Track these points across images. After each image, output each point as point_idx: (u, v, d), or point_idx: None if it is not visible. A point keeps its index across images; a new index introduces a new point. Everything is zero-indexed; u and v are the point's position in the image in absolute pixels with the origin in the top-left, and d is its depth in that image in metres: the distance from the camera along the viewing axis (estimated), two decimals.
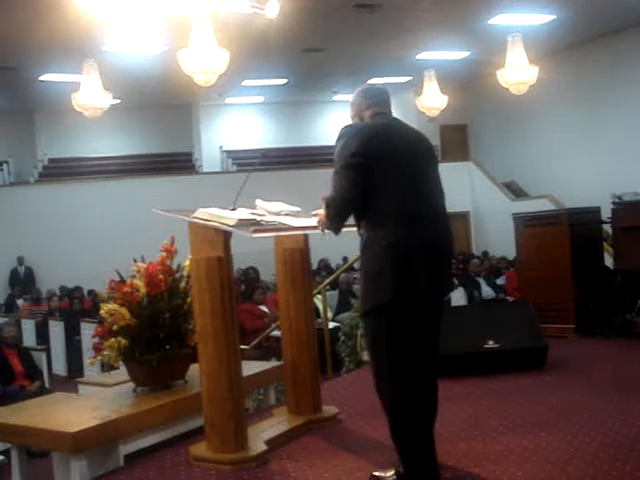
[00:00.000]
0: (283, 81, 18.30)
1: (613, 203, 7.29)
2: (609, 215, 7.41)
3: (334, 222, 3.44)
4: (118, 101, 15.46)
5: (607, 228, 8.03)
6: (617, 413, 4.45)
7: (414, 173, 3.44)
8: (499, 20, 13.32)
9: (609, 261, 8.15)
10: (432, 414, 3.46)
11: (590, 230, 7.74)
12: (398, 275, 3.29)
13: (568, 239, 7.31)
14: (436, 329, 3.53)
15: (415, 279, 3.31)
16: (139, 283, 4.68)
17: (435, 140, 18.62)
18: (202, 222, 3.93)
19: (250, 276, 13.77)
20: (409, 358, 3.35)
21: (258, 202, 4.44)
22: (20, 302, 14.98)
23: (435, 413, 3.49)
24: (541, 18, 13.48)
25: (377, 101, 3.66)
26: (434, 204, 3.49)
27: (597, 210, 7.86)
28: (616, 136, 15.24)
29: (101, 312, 4.62)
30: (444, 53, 15.95)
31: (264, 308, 9.84)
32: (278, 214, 4.34)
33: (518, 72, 12.40)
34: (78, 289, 13.98)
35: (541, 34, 13.73)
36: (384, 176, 3.34)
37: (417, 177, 3.45)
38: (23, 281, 16.42)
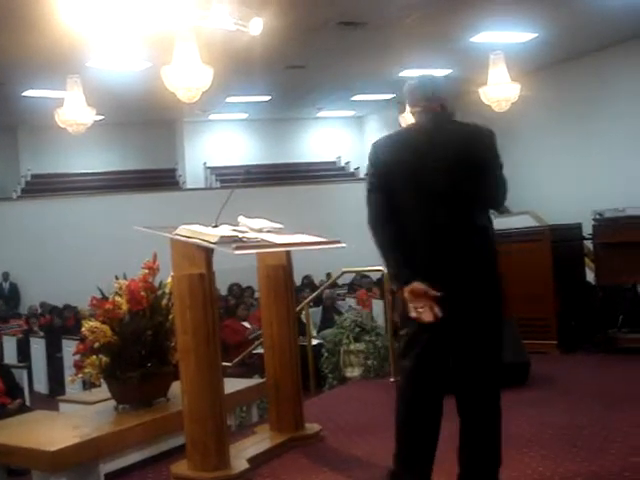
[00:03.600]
0: (267, 98, 18.32)
1: (594, 219, 7.33)
2: (590, 231, 7.46)
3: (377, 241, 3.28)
4: (102, 117, 15.41)
5: (588, 244, 8.08)
6: (599, 429, 4.46)
7: (428, 186, 3.20)
8: (482, 38, 13.40)
9: (590, 277, 8.19)
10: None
11: (572, 246, 7.79)
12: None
13: (550, 255, 7.34)
14: (474, 345, 3.35)
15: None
16: (121, 300, 4.65)
17: None
18: (184, 239, 3.92)
19: (235, 293, 13.76)
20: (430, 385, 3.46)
21: (241, 219, 4.44)
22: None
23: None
24: (523, 36, 13.58)
25: (415, 99, 3.48)
26: (447, 219, 3.21)
27: (579, 226, 7.92)
28: (598, 153, 15.33)
29: (83, 329, 4.59)
30: (427, 70, 16.01)
31: (247, 324, 9.81)
32: (260, 231, 4.34)
33: (500, 89, 12.48)
34: (67, 308, 13.83)
35: (523, 52, 13.82)
36: (396, 192, 3.24)
37: (430, 191, 3.20)
38: (7, 297, 16.32)
